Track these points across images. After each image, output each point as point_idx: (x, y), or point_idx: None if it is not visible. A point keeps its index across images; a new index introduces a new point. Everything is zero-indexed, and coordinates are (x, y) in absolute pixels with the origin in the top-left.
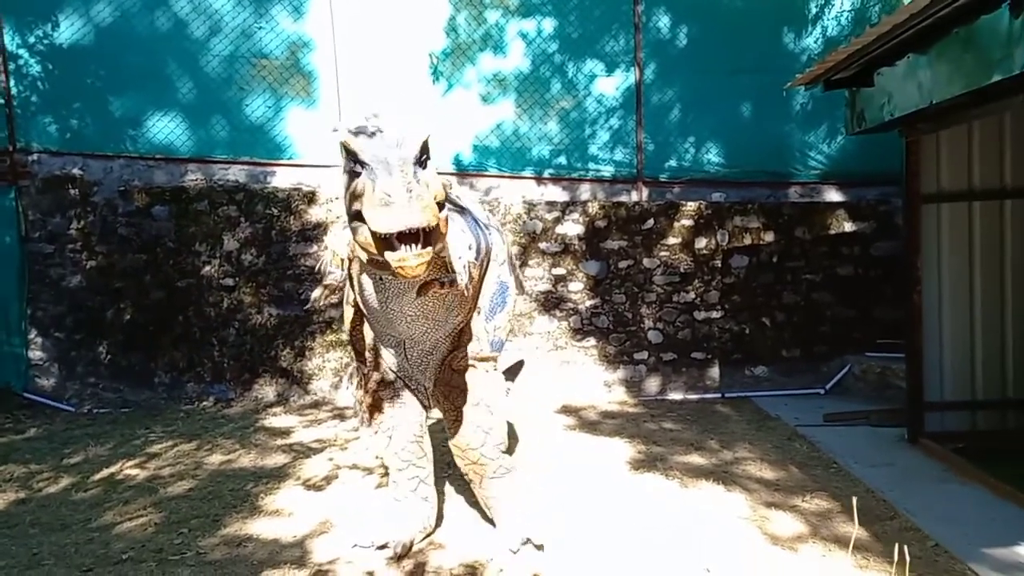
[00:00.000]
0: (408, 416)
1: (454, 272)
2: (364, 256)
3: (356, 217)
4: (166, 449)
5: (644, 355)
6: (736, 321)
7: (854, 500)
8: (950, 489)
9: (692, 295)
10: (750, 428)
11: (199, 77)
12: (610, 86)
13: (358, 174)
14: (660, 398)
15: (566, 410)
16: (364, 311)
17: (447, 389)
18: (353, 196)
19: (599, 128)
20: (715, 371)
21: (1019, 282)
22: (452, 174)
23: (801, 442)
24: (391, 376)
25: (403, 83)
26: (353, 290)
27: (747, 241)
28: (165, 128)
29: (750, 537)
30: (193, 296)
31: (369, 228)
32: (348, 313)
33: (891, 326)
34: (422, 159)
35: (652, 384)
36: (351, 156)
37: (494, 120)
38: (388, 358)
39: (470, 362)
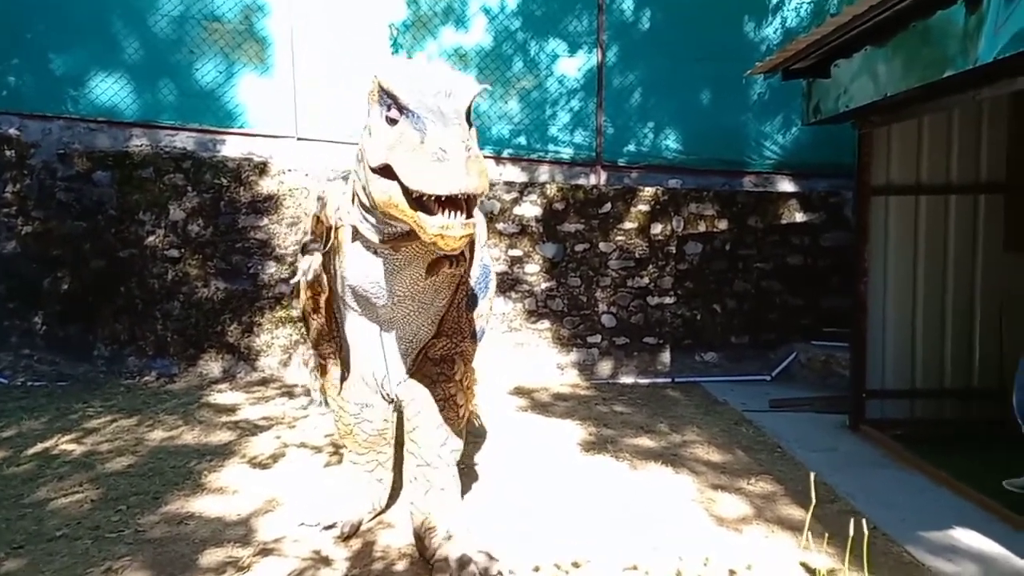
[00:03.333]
0: (375, 408)
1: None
2: (372, 221)
3: (383, 172)
4: (105, 424)
5: (597, 339)
6: (688, 307)
7: (812, 478)
8: (888, 475)
9: (646, 280)
10: (699, 412)
11: (147, 37)
12: (572, 67)
13: (394, 121)
14: (612, 381)
15: (519, 392)
16: (340, 290)
17: (419, 379)
18: (388, 147)
19: (560, 109)
20: (666, 356)
21: (960, 276)
22: None
23: (747, 426)
24: (361, 367)
25: (361, 54)
26: (331, 265)
27: (701, 228)
28: (109, 90)
29: (697, 518)
30: (136, 267)
31: (406, 185)
32: (304, 293)
33: (838, 315)
34: (469, 116)
35: (604, 367)
36: (389, 99)
37: None
38: (359, 345)
39: (445, 353)
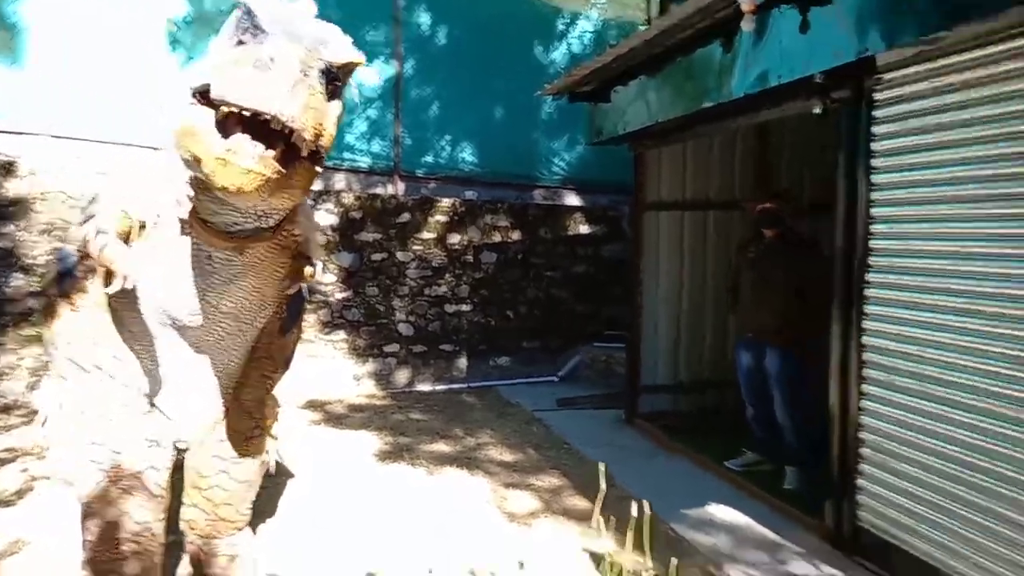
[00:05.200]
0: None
1: (308, 256)
2: (213, 207)
3: (201, 99)
4: None
5: (395, 347)
6: (484, 314)
7: (603, 468)
8: (659, 462)
9: (444, 288)
10: (492, 415)
11: None
12: (369, 76)
13: (241, 44)
14: (409, 390)
15: (312, 405)
16: (137, 307)
17: (231, 435)
18: (213, 66)
19: (356, 117)
20: (463, 362)
21: (718, 282)
22: None
23: (537, 426)
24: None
25: (134, 50)
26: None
27: (496, 239)
28: None
29: (490, 517)
30: None
31: (212, 95)
32: (93, 313)
33: (619, 319)
34: (335, 81)
35: (402, 376)
36: (247, 19)
37: None
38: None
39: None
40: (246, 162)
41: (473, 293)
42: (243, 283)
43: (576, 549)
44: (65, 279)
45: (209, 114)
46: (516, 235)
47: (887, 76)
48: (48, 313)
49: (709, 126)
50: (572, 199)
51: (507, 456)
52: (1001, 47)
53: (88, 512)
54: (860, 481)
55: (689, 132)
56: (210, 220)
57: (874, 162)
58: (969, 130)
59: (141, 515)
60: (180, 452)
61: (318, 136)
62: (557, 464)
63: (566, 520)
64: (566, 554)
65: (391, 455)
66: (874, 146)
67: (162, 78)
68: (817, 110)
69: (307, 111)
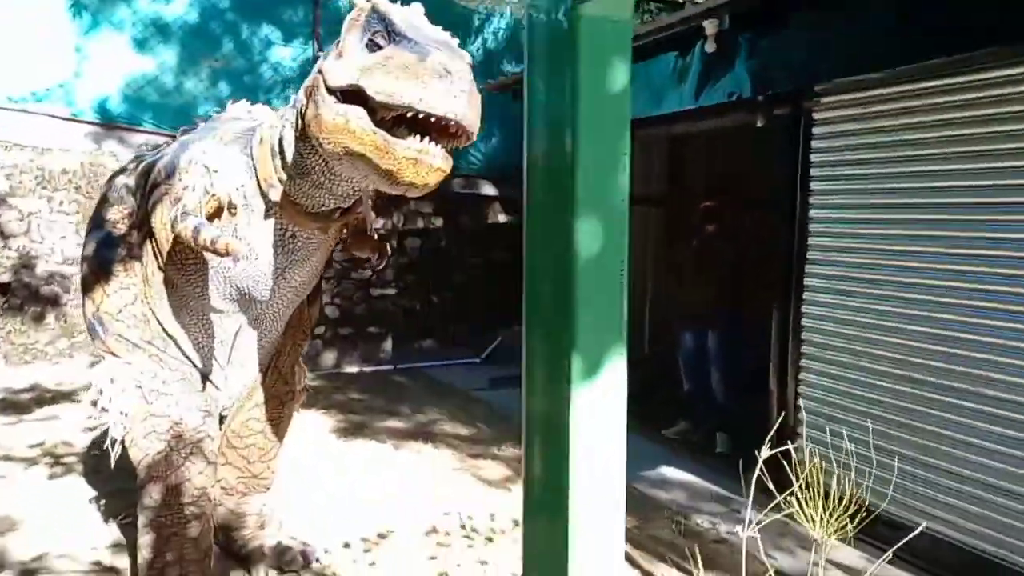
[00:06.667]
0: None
1: (366, 231)
2: (305, 187)
3: (343, 97)
4: None
5: (321, 330)
6: (409, 298)
7: None
8: None
9: (369, 273)
10: (431, 394)
11: None
12: (287, 55)
13: (377, 47)
14: (337, 371)
15: None
16: (200, 283)
17: (268, 399)
18: (361, 68)
19: (274, 97)
20: (388, 344)
21: (634, 271)
22: (96, 123)
23: (477, 404)
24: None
25: (30, 13)
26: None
27: (420, 224)
28: None
29: (470, 483)
30: None
31: (385, 100)
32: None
33: None
34: None
35: (328, 358)
36: (379, 23)
37: (151, 70)
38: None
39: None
40: (437, 162)
41: (398, 277)
42: (315, 259)
43: None
44: (106, 252)
45: (363, 113)
46: (439, 222)
47: (824, 100)
48: (90, 290)
49: (652, 130)
50: (489, 189)
51: (462, 431)
52: (910, 87)
53: (150, 478)
54: (799, 442)
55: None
56: (299, 201)
57: (813, 171)
58: (891, 150)
59: (200, 480)
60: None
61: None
62: (511, 437)
63: None
64: None
65: (349, 432)
66: (812, 158)
67: (59, 43)
68: (759, 123)
69: (478, 119)
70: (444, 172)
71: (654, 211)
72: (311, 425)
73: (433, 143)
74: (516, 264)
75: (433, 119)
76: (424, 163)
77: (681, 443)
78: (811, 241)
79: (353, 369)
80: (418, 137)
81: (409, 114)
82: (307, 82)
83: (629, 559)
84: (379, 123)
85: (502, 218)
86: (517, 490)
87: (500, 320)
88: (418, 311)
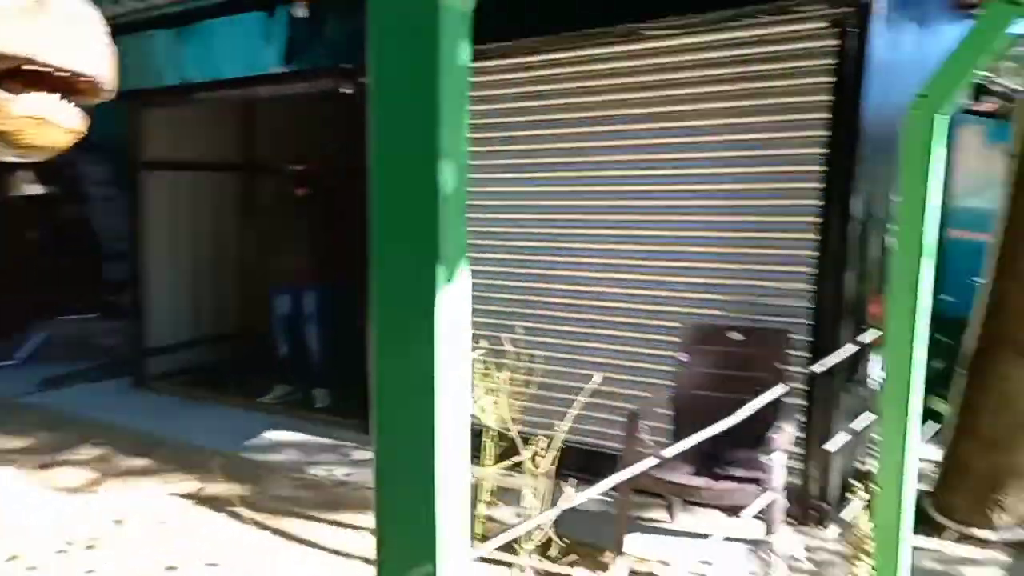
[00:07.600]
0: None
1: None
2: None
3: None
4: None
5: None
6: None
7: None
8: (193, 411)
9: None
10: None
11: None
12: None
13: None
14: None
15: None
16: None
17: None
18: None
19: None
20: None
21: (212, 240)
22: None
23: (30, 411)
24: None
25: None
26: None
27: None
28: None
29: (45, 491)
30: None
31: (5, 51)
32: None
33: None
34: None
35: None
36: None
37: None
38: None
39: None
40: (72, 122)
41: None
42: None
43: (162, 495)
44: None
45: None
46: None
47: None
48: None
49: (223, 93)
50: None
51: (19, 443)
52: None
53: None
54: None
55: (198, 96)
56: None
57: None
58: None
59: None
60: None
61: None
62: (91, 436)
63: (138, 477)
64: (157, 500)
65: None
66: None
67: None
68: (348, 90)
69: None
70: (79, 133)
71: (237, 178)
72: None
73: (64, 100)
74: (61, 244)
75: (59, 72)
76: (52, 125)
77: (282, 406)
78: None
79: None
80: (44, 94)
81: (27, 67)
82: None
83: (257, 523)
84: None
85: (37, 189)
86: (109, 486)
87: (38, 315)
88: None
